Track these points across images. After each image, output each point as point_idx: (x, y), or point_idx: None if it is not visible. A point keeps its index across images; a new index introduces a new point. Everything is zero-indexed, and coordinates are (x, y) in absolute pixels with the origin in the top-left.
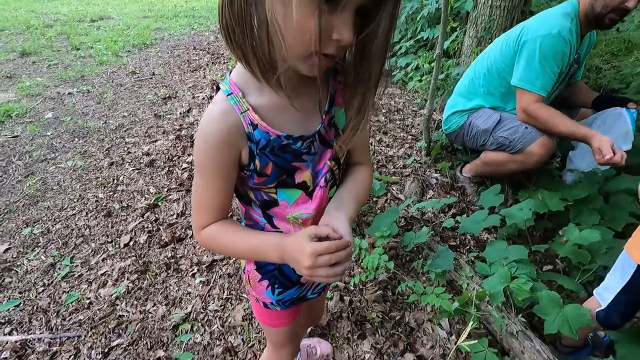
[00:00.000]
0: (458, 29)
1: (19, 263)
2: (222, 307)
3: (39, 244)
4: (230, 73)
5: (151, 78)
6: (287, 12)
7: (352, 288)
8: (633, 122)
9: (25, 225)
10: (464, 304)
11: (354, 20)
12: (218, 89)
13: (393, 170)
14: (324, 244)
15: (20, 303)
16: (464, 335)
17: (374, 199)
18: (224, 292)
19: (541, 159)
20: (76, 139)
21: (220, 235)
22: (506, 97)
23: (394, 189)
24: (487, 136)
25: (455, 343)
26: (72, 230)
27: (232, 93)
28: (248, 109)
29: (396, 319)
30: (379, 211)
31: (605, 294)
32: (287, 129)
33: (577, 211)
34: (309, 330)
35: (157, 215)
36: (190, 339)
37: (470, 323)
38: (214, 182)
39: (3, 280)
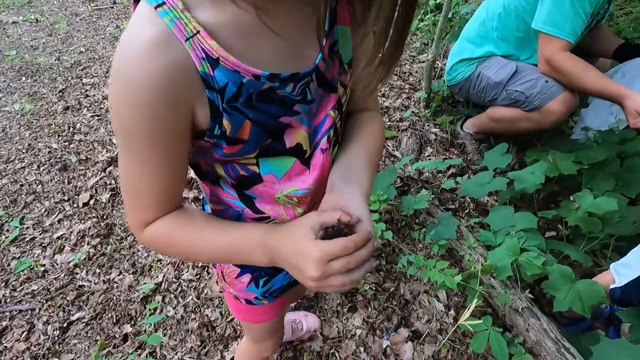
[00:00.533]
0: None
1: None
2: (198, 276)
3: None
4: None
5: (112, 7)
6: None
7: None
8: None
9: None
10: (467, 279)
11: None
12: (137, 1)
13: (389, 123)
14: (337, 244)
15: None
16: (467, 314)
17: None
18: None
19: (560, 118)
20: (23, 78)
21: (175, 234)
22: (522, 43)
23: (390, 144)
24: (500, 90)
25: (454, 318)
26: (22, 186)
27: (164, 3)
28: (198, 32)
29: (390, 290)
30: None
31: (624, 270)
32: (269, 64)
33: (590, 175)
34: (294, 304)
35: None
36: (162, 311)
37: (475, 300)
38: (153, 162)
39: None
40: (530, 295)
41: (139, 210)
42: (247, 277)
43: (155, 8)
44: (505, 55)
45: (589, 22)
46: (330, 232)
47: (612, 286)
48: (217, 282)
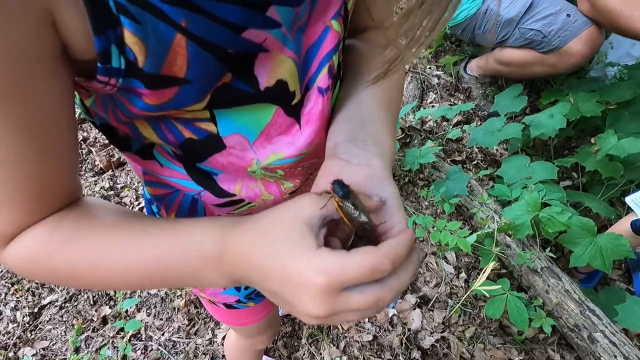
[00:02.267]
0: None
1: None
2: None
3: None
4: None
5: None
6: None
7: None
8: None
9: None
10: (481, 239)
11: None
12: None
13: None
14: (359, 264)
15: None
16: (483, 278)
17: None
18: None
19: (581, 61)
20: None
21: (56, 252)
22: None
23: None
24: (511, 28)
25: (465, 281)
26: None
27: None
28: None
29: None
30: None
31: None
32: None
33: (615, 116)
34: None
35: (86, 134)
36: (144, 290)
37: (491, 263)
38: (9, 133)
39: None
40: (551, 255)
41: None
42: None
43: None
44: None
45: None
46: (339, 230)
47: (633, 219)
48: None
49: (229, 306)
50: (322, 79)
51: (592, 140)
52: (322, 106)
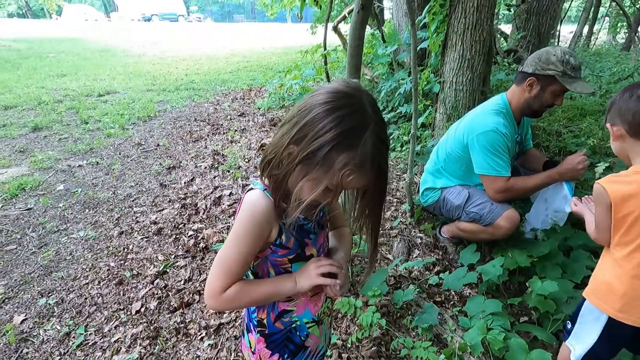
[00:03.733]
0: (430, 106)
1: (35, 333)
2: None
3: (54, 314)
4: (252, 183)
5: (156, 149)
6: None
7: (349, 346)
8: (570, 188)
9: (40, 296)
10: (449, 356)
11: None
12: (248, 190)
13: (381, 232)
14: (325, 260)
15: None
16: None
17: (365, 259)
18: (231, 354)
19: (508, 231)
20: (87, 210)
21: (245, 289)
22: (467, 175)
23: (383, 249)
24: (460, 210)
25: None
26: (86, 299)
27: (266, 189)
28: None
29: None
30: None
31: (577, 345)
32: (301, 213)
33: (542, 266)
34: None
35: (166, 282)
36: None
37: None
38: (247, 250)
39: (21, 352)
40: None
41: (225, 280)
42: (276, 357)
43: (263, 191)
44: (460, 184)
45: (514, 153)
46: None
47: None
48: None
49: None
50: (323, 252)
51: (527, 284)
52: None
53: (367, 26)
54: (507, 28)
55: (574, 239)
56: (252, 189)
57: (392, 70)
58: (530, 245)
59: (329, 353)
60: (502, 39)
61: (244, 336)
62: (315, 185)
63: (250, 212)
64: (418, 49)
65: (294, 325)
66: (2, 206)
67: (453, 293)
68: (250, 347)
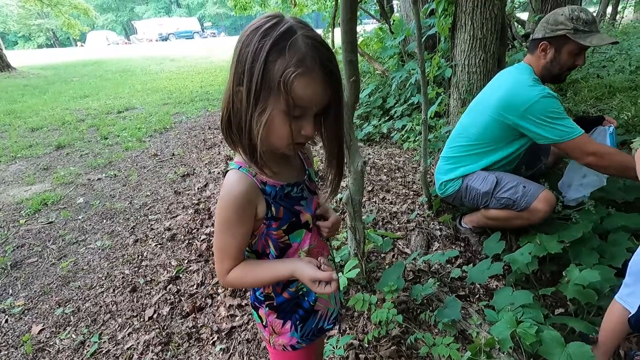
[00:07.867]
0: (442, 93)
1: (51, 343)
2: None
3: (70, 323)
4: (231, 160)
5: (171, 158)
6: (271, 127)
7: (366, 345)
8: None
9: (57, 306)
10: (475, 352)
11: (314, 121)
12: (226, 172)
13: (398, 225)
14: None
15: None
16: None
17: (382, 255)
18: (243, 358)
19: (546, 214)
20: (104, 220)
21: (246, 274)
22: (488, 154)
23: (400, 243)
24: (489, 197)
25: None
26: (101, 307)
27: (241, 166)
28: (257, 173)
29: None
30: (387, 267)
31: (631, 300)
32: (286, 180)
33: (575, 252)
34: None
35: (178, 287)
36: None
37: None
38: (240, 233)
39: None
40: None
41: (226, 262)
42: (288, 324)
43: (238, 169)
44: (481, 170)
45: None
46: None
47: (630, 316)
48: (269, 341)
49: (293, 347)
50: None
51: (563, 274)
52: (314, 229)
53: (375, 21)
54: (524, 15)
55: (611, 220)
56: (228, 171)
57: (403, 62)
58: (561, 229)
59: (345, 354)
60: (519, 25)
61: (254, 314)
62: (275, 119)
63: (229, 196)
64: (427, 35)
65: (300, 292)
66: (25, 221)
67: (478, 286)
68: (262, 322)
